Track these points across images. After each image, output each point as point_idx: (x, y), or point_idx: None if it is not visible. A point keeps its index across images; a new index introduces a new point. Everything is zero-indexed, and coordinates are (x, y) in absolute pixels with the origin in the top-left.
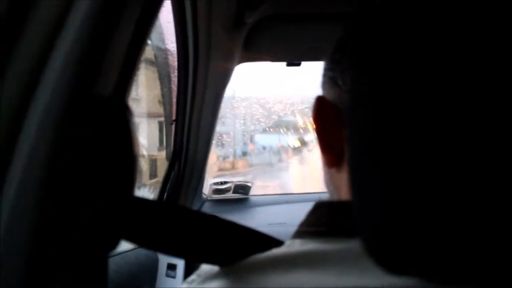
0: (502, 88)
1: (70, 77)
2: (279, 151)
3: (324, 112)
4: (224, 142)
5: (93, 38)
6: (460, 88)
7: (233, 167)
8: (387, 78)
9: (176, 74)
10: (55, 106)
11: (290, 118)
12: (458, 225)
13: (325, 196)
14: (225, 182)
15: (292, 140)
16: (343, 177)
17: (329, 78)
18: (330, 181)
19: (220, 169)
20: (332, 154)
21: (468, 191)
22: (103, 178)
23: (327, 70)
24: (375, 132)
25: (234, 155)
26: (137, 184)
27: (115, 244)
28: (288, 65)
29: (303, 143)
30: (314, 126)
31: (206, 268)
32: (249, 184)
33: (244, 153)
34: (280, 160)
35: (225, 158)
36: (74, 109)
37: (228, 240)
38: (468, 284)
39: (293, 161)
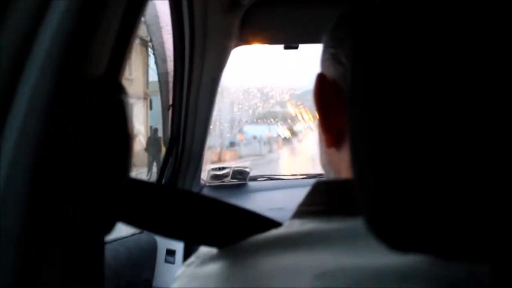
0: (499, 77)
1: (59, 56)
2: (269, 141)
3: (325, 90)
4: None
5: (83, 15)
6: (461, 72)
7: (219, 159)
8: (389, 59)
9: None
10: (45, 86)
11: (278, 109)
12: (462, 200)
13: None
14: (223, 168)
15: (282, 130)
16: (343, 157)
17: (331, 55)
18: (328, 160)
19: (206, 161)
20: (332, 133)
21: (471, 165)
22: (98, 160)
23: (327, 47)
24: (377, 110)
25: (222, 146)
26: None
27: (111, 227)
28: (286, 48)
29: (293, 133)
30: (316, 104)
31: (204, 250)
32: (247, 170)
33: (233, 144)
34: (270, 151)
35: (211, 148)
36: (65, 88)
37: (227, 222)
38: (473, 259)
39: (284, 151)
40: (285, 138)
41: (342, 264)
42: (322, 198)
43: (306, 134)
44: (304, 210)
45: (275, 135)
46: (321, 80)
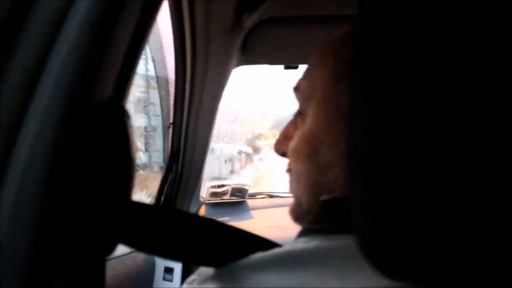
0: (503, 86)
1: (68, 81)
2: (232, 159)
3: None
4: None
5: (91, 41)
6: (460, 81)
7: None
8: (386, 82)
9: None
10: (53, 111)
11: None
12: (452, 229)
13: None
14: (223, 185)
15: (244, 147)
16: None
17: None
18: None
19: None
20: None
21: (465, 193)
22: (101, 182)
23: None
24: (367, 136)
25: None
26: None
27: (113, 248)
28: (286, 68)
29: (255, 150)
30: None
31: (206, 268)
32: (246, 187)
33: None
34: (232, 172)
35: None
36: (72, 113)
37: (226, 244)
38: None
39: (247, 171)
40: (247, 155)
41: (342, 284)
42: (327, 215)
43: (267, 151)
44: (309, 228)
45: (236, 152)
46: None
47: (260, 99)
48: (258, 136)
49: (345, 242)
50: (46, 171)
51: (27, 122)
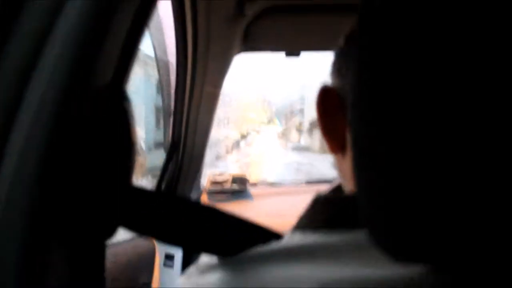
0: (504, 84)
1: (66, 66)
2: (216, 144)
3: (327, 100)
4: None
5: (90, 26)
6: (462, 77)
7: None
8: (390, 67)
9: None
10: (52, 95)
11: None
12: (467, 212)
13: (324, 187)
14: (223, 174)
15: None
16: (347, 163)
17: (336, 68)
18: (337, 166)
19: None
20: (335, 140)
21: (478, 175)
22: (101, 167)
23: (335, 60)
24: (378, 119)
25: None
26: None
27: (112, 232)
28: (287, 55)
29: (242, 135)
30: (317, 113)
31: (204, 260)
32: (246, 177)
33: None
34: (217, 157)
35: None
36: (71, 97)
37: (227, 231)
38: (475, 272)
39: (234, 157)
40: (235, 140)
41: (344, 275)
42: (323, 210)
43: (254, 136)
44: (305, 223)
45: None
46: (324, 91)
47: (264, 87)
48: (248, 121)
49: (341, 238)
50: (44, 156)
51: (25, 108)
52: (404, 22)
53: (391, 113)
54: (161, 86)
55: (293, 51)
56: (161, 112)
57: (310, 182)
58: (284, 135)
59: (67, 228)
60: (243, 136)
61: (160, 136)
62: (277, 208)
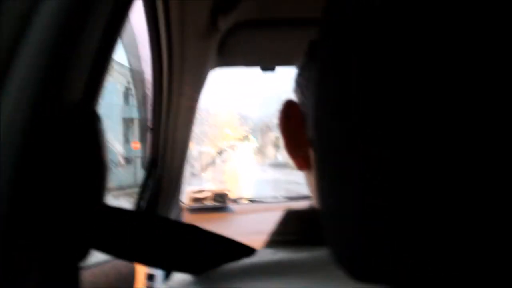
0: (498, 85)
1: (36, 82)
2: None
3: (291, 116)
4: None
5: (60, 40)
6: (434, 86)
7: None
8: (351, 82)
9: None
10: (21, 113)
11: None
12: (427, 232)
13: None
14: (204, 191)
15: (206, 147)
16: (313, 179)
17: (298, 84)
18: (307, 181)
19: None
20: (299, 157)
21: (440, 194)
22: (72, 186)
23: (296, 76)
24: (339, 136)
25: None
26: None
27: (86, 254)
28: (263, 69)
29: (218, 151)
30: (281, 129)
31: (177, 278)
32: (227, 192)
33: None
34: (192, 174)
35: None
36: (41, 115)
37: (204, 249)
38: None
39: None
40: (211, 159)
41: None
42: (292, 227)
43: (230, 153)
44: (275, 240)
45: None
46: (288, 107)
47: (238, 103)
48: (223, 137)
49: (311, 255)
50: (14, 175)
51: None
52: (365, 34)
53: (353, 130)
54: (138, 101)
55: (268, 66)
56: (128, 124)
57: (290, 198)
58: (261, 151)
59: (38, 249)
60: (219, 153)
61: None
62: (258, 225)
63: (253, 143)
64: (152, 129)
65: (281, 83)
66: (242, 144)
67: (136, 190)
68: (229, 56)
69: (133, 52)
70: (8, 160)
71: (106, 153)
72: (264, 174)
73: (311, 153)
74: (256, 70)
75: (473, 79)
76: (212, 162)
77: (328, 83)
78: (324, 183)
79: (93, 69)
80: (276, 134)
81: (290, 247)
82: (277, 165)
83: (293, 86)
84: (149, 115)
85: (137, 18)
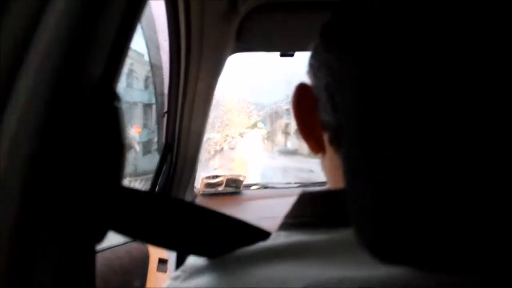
0: (499, 85)
1: (56, 64)
2: None
3: (304, 99)
4: None
5: (79, 23)
6: (448, 75)
7: None
8: (372, 61)
9: (167, 64)
10: (40, 93)
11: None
12: (453, 213)
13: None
14: (217, 176)
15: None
16: (328, 162)
17: (311, 67)
18: (321, 165)
19: None
20: (314, 141)
21: (465, 178)
22: (91, 168)
23: (310, 58)
24: (365, 118)
25: None
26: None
27: (103, 235)
28: (282, 55)
29: (226, 138)
30: (294, 112)
31: (190, 262)
32: (241, 178)
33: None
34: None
35: None
36: (60, 96)
37: (219, 232)
38: (462, 274)
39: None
40: (218, 146)
41: (328, 275)
42: (307, 209)
43: (238, 140)
44: (290, 222)
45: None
46: (301, 90)
47: (246, 88)
48: (231, 124)
49: (326, 237)
50: (32, 157)
51: (12, 103)
52: (388, 21)
53: (383, 112)
54: (154, 86)
55: (287, 52)
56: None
57: (304, 185)
58: (270, 138)
59: (55, 231)
60: (226, 140)
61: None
62: (271, 211)
63: (262, 130)
64: (167, 113)
65: (291, 68)
66: (250, 131)
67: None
68: (248, 41)
69: (151, 37)
70: (26, 140)
71: (125, 133)
72: (274, 161)
73: (325, 137)
74: (264, 55)
75: (474, 78)
76: (220, 149)
77: (346, 70)
78: (350, 164)
79: (113, 50)
80: (286, 120)
81: (305, 230)
82: (287, 152)
83: (306, 69)
84: (165, 100)
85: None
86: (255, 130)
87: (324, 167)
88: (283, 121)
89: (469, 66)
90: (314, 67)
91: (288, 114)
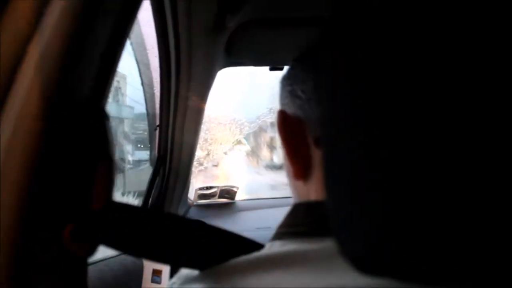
0: (496, 88)
1: (46, 80)
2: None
3: (287, 125)
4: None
5: (69, 40)
6: (431, 92)
7: None
8: (367, 68)
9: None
10: (30, 111)
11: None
12: (432, 225)
13: None
14: (211, 187)
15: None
16: (311, 187)
17: (288, 92)
18: (297, 192)
19: None
20: (300, 165)
21: (446, 188)
22: (80, 184)
23: (285, 84)
24: (348, 132)
25: None
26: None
27: (93, 249)
28: (271, 69)
29: (208, 154)
30: (281, 140)
31: (186, 271)
32: (234, 189)
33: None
34: None
35: None
36: (50, 114)
37: (211, 245)
38: (442, 285)
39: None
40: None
41: (323, 284)
42: (301, 219)
43: (222, 157)
44: (284, 231)
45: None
46: (283, 116)
47: (228, 104)
48: (213, 140)
49: (321, 245)
50: (22, 173)
51: (3, 122)
52: (369, 39)
53: (361, 129)
54: (145, 100)
55: (276, 66)
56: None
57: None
58: (254, 153)
59: (48, 245)
60: (209, 156)
61: None
62: (264, 222)
63: (246, 145)
64: (159, 127)
65: (274, 81)
66: (234, 147)
67: None
68: (237, 55)
69: (141, 52)
70: (18, 159)
71: (114, 150)
72: (260, 177)
73: (314, 154)
74: (243, 70)
75: (473, 79)
76: (203, 167)
77: (337, 87)
78: (331, 177)
79: (102, 68)
80: (270, 134)
81: (299, 239)
82: (274, 167)
83: (280, 93)
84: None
85: (145, 18)
86: (239, 146)
87: (304, 192)
88: (267, 135)
89: (464, 67)
90: (295, 89)
91: (273, 127)
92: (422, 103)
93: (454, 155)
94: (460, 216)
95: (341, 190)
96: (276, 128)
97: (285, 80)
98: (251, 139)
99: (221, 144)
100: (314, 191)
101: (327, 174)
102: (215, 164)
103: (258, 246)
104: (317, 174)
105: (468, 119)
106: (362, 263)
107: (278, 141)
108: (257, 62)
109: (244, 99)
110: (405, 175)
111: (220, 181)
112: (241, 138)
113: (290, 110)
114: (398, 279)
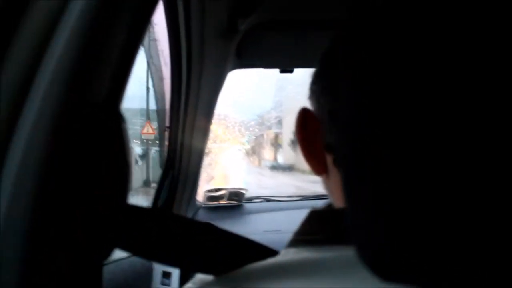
0: (497, 88)
1: (62, 84)
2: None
3: (307, 123)
4: None
5: (85, 43)
6: (445, 94)
7: None
8: (375, 83)
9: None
10: (47, 114)
11: None
12: (454, 232)
13: (321, 203)
14: (219, 189)
15: None
16: (332, 183)
17: (312, 92)
18: (324, 186)
19: None
20: (317, 162)
21: (465, 195)
22: (96, 186)
23: (311, 83)
24: (365, 139)
25: None
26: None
27: (109, 252)
28: (282, 71)
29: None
30: (297, 138)
31: (201, 276)
32: (243, 191)
33: None
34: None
35: None
36: (66, 116)
37: (223, 249)
38: None
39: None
40: None
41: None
42: (317, 226)
43: (217, 153)
44: (299, 239)
45: None
46: (304, 114)
47: (229, 102)
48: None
49: (335, 254)
50: (39, 174)
51: (20, 125)
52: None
53: (382, 129)
54: (156, 103)
55: (286, 68)
56: None
57: (306, 198)
58: (256, 152)
59: (64, 248)
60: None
61: None
62: (273, 224)
63: (246, 145)
64: (169, 128)
65: (278, 76)
66: (233, 145)
67: None
68: (248, 57)
69: (153, 55)
70: (33, 160)
71: (130, 153)
72: (263, 178)
73: (327, 157)
74: (247, 71)
75: (482, 80)
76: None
77: (348, 91)
78: (349, 184)
79: (117, 69)
80: (276, 130)
81: (314, 247)
82: (279, 168)
83: (308, 94)
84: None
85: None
86: (238, 142)
87: (328, 188)
88: (271, 132)
89: (472, 69)
90: (316, 93)
91: (279, 123)
92: (435, 109)
93: (465, 158)
94: (473, 221)
95: (360, 197)
96: (282, 125)
97: (312, 79)
98: (252, 136)
99: (218, 141)
100: (332, 187)
101: (344, 180)
102: (210, 162)
103: (272, 252)
104: (332, 173)
105: (477, 122)
106: (383, 270)
107: (285, 139)
108: (267, 64)
109: (244, 98)
110: (419, 181)
111: (215, 182)
112: (241, 132)
113: (313, 109)
114: (418, 286)
